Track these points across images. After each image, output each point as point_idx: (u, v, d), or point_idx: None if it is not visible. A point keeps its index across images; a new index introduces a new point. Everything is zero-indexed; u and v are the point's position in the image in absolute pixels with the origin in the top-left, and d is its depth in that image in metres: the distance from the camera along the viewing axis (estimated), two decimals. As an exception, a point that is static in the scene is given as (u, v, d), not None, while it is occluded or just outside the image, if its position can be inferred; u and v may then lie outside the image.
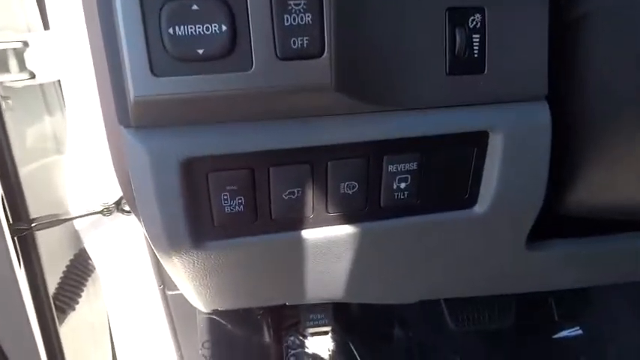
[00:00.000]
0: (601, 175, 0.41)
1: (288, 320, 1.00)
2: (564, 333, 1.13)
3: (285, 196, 0.36)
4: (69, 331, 0.75)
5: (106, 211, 0.68)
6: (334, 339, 1.02)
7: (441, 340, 1.10)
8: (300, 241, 0.39)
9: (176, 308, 0.77)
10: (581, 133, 0.39)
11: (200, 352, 0.74)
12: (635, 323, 1.03)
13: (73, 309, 0.76)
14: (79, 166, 0.72)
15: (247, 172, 0.35)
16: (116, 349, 0.85)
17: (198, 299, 0.47)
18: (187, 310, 0.76)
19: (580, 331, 1.13)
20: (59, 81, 0.74)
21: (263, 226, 0.37)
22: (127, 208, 0.70)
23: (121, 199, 0.70)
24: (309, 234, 0.39)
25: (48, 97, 0.76)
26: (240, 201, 0.35)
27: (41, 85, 0.75)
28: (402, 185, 0.38)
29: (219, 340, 0.75)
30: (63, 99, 0.73)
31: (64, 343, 0.72)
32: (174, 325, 0.78)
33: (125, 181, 0.36)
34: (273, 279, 0.45)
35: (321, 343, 1.01)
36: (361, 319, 1.09)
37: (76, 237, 0.77)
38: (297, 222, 0.38)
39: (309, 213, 0.37)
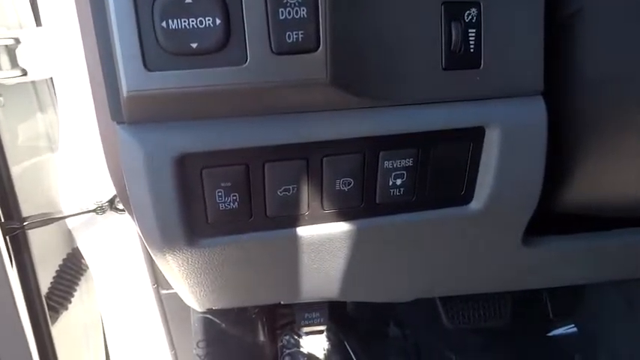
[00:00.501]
0: (597, 170, 0.41)
1: (283, 319, 1.00)
2: (559, 331, 1.14)
3: (280, 192, 0.36)
4: (61, 330, 0.75)
5: (99, 210, 0.67)
6: (329, 338, 1.02)
7: (436, 339, 1.10)
8: (295, 239, 0.38)
9: (170, 307, 0.77)
10: (577, 129, 0.39)
11: (194, 351, 0.74)
12: (630, 321, 1.03)
13: (66, 308, 0.75)
14: (71, 164, 0.71)
15: (242, 168, 0.34)
16: (109, 349, 0.84)
17: (193, 298, 0.46)
18: (181, 310, 0.75)
19: (575, 329, 1.14)
20: (51, 78, 0.74)
21: (258, 223, 0.37)
22: (120, 206, 0.69)
23: (114, 197, 0.69)
24: (304, 231, 0.38)
25: (40, 94, 0.76)
26: (234, 198, 0.35)
27: (33, 83, 0.75)
28: (398, 181, 0.37)
29: (213, 339, 0.74)
30: (55, 96, 0.72)
31: (56, 343, 0.72)
32: (169, 325, 0.78)
33: (118, 178, 0.36)
34: (267, 277, 0.44)
35: (316, 342, 1.01)
36: (357, 317, 1.09)
37: (68, 236, 0.77)
38: (292, 219, 0.37)
39: (305, 210, 0.37)
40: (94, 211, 0.67)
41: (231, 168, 0.34)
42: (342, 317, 1.06)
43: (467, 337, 1.11)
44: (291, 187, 0.36)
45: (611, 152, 0.40)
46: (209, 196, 0.34)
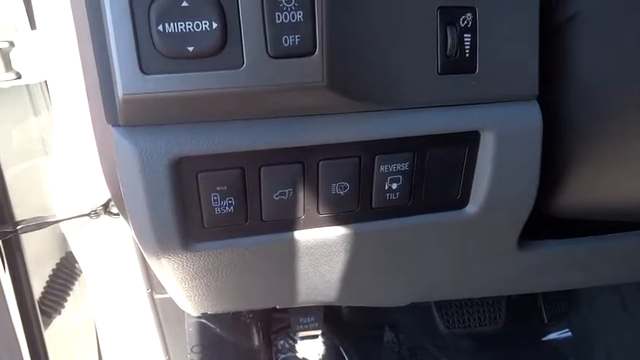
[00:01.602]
0: (591, 175, 0.41)
1: (278, 324, 1.00)
2: (554, 335, 1.14)
3: (276, 196, 0.35)
4: (54, 335, 0.74)
5: (93, 214, 0.67)
6: (324, 342, 1.02)
7: (431, 343, 1.10)
8: (291, 243, 0.38)
9: (164, 312, 0.76)
10: (571, 134, 0.39)
11: (189, 356, 0.73)
12: (625, 324, 1.03)
13: (59, 313, 0.75)
14: (65, 167, 0.71)
15: (238, 172, 0.34)
16: (102, 354, 0.83)
17: (187, 302, 0.46)
18: (176, 314, 0.75)
19: (569, 333, 1.14)
20: (46, 81, 0.73)
21: (253, 227, 0.37)
22: (114, 210, 0.69)
23: (108, 201, 0.69)
24: (300, 235, 0.38)
25: (34, 97, 0.75)
26: (230, 202, 0.35)
27: (27, 86, 0.74)
28: (394, 186, 0.37)
29: (208, 344, 0.74)
30: (49, 99, 0.72)
31: (49, 348, 0.71)
32: (163, 330, 0.77)
33: (113, 182, 0.35)
34: (263, 281, 0.44)
35: (311, 347, 1.00)
36: (352, 322, 1.08)
37: (62, 240, 0.76)
38: (288, 223, 0.37)
39: (301, 214, 0.37)
40: (88, 215, 0.67)
41: (227, 172, 0.34)
42: (337, 322, 1.05)
43: (462, 342, 1.12)
44: (287, 191, 0.35)
45: (606, 156, 0.40)
46: (205, 200, 0.34)
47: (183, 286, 0.42)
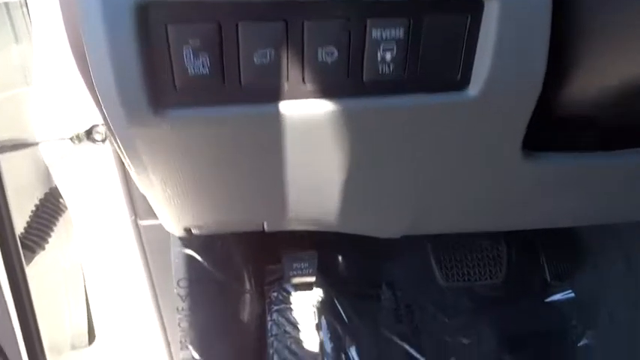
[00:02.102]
0: (604, 59, 0.38)
1: (272, 275, 0.98)
2: (557, 296, 1.12)
3: (256, 58, 0.32)
4: (38, 274, 0.72)
5: (75, 139, 0.64)
6: (319, 295, 1.00)
7: (429, 301, 1.08)
8: (273, 117, 0.35)
9: (150, 242, 0.73)
10: (583, 8, 0.36)
11: (175, 290, 0.70)
12: (629, 283, 1.01)
13: (43, 248, 0.72)
14: (47, 97, 0.68)
15: (213, 26, 0.31)
16: (88, 292, 0.81)
17: (167, 208, 0.43)
18: (162, 243, 0.72)
19: (572, 294, 1.12)
20: (27, 9, 0.70)
21: (231, 93, 0.33)
22: (97, 137, 0.66)
23: (91, 128, 0.66)
24: (283, 108, 0.35)
25: (15, 25, 0.72)
26: (204, 61, 0.31)
27: (8, 12, 0.71)
28: (387, 56, 0.34)
29: (195, 279, 0.71)
30: (31, 26, 0.69)
31: (32, 286, 0.68)
32: (149, 263, 0.75)
33: (77, 43, 0.32)
34: (245, 174, 0.41)
35: (305, 299, 0.98)
36: (348, 279, 1.06)
37: (47, 175, 0.74)
38: (269, 92, 0.34)
39: (283, 81, 0.34)
40: (69, 139, 0.64)
41: (200, 25, 0.31)
42: (332, 277, 1.03)
43: (461, 301, 1.09)
44: (267, 52, 0.32)
45: (622, 37, 0.37)
46: (176, 55, 0.31)
47: (159, 177, 0.38)
